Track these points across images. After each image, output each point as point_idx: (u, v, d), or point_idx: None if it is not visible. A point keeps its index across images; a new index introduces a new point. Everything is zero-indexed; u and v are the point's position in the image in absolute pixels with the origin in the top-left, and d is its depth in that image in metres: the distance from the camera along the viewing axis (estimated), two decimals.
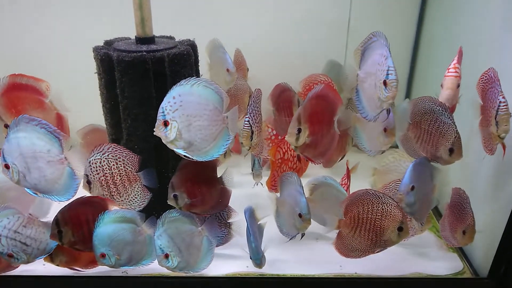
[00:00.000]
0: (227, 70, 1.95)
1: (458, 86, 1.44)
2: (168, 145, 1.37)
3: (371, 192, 1.53)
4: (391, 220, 1.50)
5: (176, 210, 1.55)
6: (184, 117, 1.33)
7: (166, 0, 2.23)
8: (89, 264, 1.64)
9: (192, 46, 1.68)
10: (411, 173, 1.46)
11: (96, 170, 1.55)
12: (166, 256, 1.50)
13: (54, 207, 1.56)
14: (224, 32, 2.26)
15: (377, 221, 1.51)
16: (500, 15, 1.63)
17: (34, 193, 1.45)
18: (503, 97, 1.39)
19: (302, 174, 2.06)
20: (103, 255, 1.49)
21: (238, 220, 1.71)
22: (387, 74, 1.36)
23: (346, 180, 1.84)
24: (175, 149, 1.37)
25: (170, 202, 1.57)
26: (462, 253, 1.79)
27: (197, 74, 1.73)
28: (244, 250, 1.62)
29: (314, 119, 1.48)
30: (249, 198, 1.90)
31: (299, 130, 1.46)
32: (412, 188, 1.46)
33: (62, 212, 1.50)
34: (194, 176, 1.57)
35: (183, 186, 1.56)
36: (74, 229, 1.50)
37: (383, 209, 1.50)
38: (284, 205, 1.64)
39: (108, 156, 1.55)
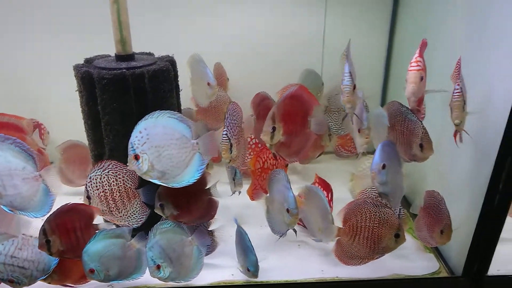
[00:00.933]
0: (208, 84, 2.01)
1: (422, 79, 1.48)
2: (143, 177, 1.44)
3: (368, 201, 1.62)
4: (388, 228, 1.59)
5: (167, 221, 1.59)
6: (153, 148, 1.39)
7: (145, 16, 2.28)
8: (80, 279, 1.65)
9: (171, 62, 1.72)
10: (381, 153, 1.51)
11: (96, 186, 1.60)
12: (158, 267, 1.53)
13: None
14: (206, 44, 2.34)
15: (375, 229, 1.59)
16: (464, 23, 1.72)
17: (10, 210, 1.46)
18: (458, 84, 1.46)
19: None
20: (91, 271, 1.51)
21: (220, 228, 1.75)
22: (342, 80, 1.44)
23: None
24: (150, 180, 1.43)
25: (157, 211, 1.62)
26: (438, 253, 1.86)
27: (177, 89, 1.77)
28: (233, 260, 1.69)
29: (288, 119, 1.54)
30: (227, 208, 1.95)
31: (274, 129, 1.51)
32: (383, 166, 1.51)
33: (49, 221, 1.50)
34: (181, 187, 1.61)
35: (169, 196, 1.61)
36: (62, 237, 1.51)
37: (380, 217, 1.59)
38: (274, 203, 1.69)
39: (108, 172, 1.59)
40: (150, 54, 1.82)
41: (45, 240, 1.49)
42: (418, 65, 1.46)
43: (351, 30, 2.44)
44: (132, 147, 1.39)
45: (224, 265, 1.77)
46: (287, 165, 1.97)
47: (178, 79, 1.79)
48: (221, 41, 2.40)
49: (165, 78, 1.65)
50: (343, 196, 2.18)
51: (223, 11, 2.37)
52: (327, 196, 1.89)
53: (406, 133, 1.58)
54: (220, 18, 2.39)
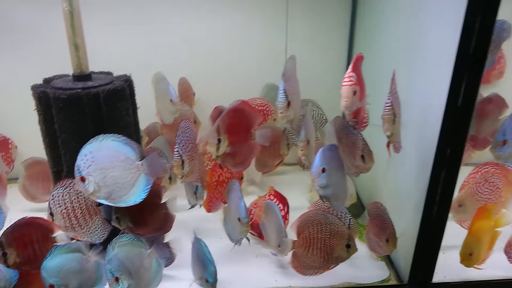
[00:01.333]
0: (171, 100, 2.09)
1: (355, 93, 1.54)
2: (90, 197, 1.51)
3: (319, 213, 1.69)
4: (339, 238, 1.66)
5: (126, 235, 1.64)
6: (98, 171, 1.46)
7: (110, 33, 2.35)
8: None
9: (127, 81, 1.78)
10: (321, 157, 1.53)
11: (59, 203, 1.65)
12: (117, 279, 1.56)
13: None
14: (172, 60, 2.42)
15: (326, 240, 1.66)
16: (406, 36, 1.82)
17: None
18: (388, 98, 1.54)
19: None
20: (51, 286, 1.55)
21: (176, 240, 1.81)
22: (277, 96, 1.56)
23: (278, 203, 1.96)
24: (97, 200, 1.50)
25: (114, 223, 1.68)
26: (389, 261, 1.94)
27: (133, 107, 1.82)
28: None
29: (231, 130, 1.62)
30: (186, 221, 2.01)
31: (219, 140, 1.59)
32: (323, 170, 1.52)
33: (5, 234, 1.55)
34: None
35: (125, 209, 1.66)
36: (19, 250, 1.56)
37: (331, 228, 1.66)
38: (230, 212, 1.78)
39: (70, 190, 1.64)
40: (108, 73, 1.88)
41: (1, 253, 1.54)
42: (350, 80, 1.53)
43: (312, 41, 2.54)
44: (78, 169, 1.46)
45: (182, 276, 1.83)
46: (242, 178, 2.04)
47: (135, 97, 1.85)
48: (186, 56, 2.47)
49: (121, 97, 1.71)
50: (304, 206, 2.25)
51: (187, 26, 2.45)
52: (283, 209, 1.96)
53: (350, 145, 1.67)
54: (184, 33, 2.46)
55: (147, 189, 1.52)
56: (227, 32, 2.50)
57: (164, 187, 2.03)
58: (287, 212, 1.97)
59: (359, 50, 2.48)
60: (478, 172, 1.96)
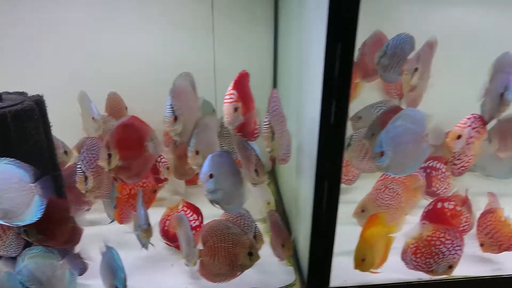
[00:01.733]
0: (93, 118, 2.19)
1: (236, 110, 1.63)
2: None
3: (222, 223, 1.78)
4: (241, 247, 1.75)
5: (36, 247, 1.72)
6: None
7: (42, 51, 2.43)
8: None
9: (37, 102, 1.85)
10: (209, 163, 1.61)
11: None
12: None
13: None
14: (107, 74, 2.50)
15: (229, 248, 1.75)
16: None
17: None
18: (266, 117, 1.65)
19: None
20: None
21: (86, 250, 1.87)
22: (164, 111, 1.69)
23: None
24: None
25: (23, 236, 1.75)
26: (297, 265, 2.03)
27: (45, 126, 1.89)
28: None
29: (122, 145, 1.72)
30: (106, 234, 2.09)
31: (109, 155, 1.70)
32: (211, 176, 1.60)
33: None
34: (44, 215, 1.73)
35: (33, 223, 1.74)
36: None
37: (232, 238, 1.75)
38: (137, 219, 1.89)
39: None
40: (22, 93, 1.95)
41: None
42: (231, 98, 1.63)
43: (238, 58, 2.64)
44: None
45: (96, 285, 1.90)
46: (155, 191, 2.14)
47: (47, 117, 1.91)
48: (120, 70, 2.56)
49: (29, 117, 1.79)
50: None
51: (118, 41, 2.54)
52: (197, 219, 2.05)
53: (246, 159, 1.77)
54: (117, 48, 2.55)
55: (41, 209, 1.62)
56: (159, 47, 2.59)
57: (90, 201, 2.13)
58: (201, 222, 2.06)
59: (280, 62, 2.60)
60: (385, 178, 2.09)
